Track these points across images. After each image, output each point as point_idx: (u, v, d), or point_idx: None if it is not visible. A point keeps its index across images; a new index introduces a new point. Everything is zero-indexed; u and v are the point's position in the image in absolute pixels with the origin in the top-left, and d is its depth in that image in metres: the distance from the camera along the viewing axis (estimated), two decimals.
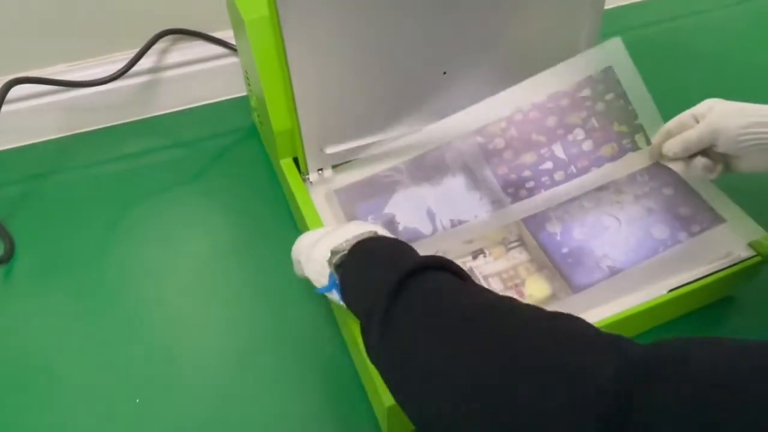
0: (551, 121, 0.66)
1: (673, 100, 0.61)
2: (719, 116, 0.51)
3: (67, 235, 0.71)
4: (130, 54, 0.79)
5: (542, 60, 0.65)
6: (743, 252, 0.56)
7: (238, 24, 0.64)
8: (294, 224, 0.70)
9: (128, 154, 0.82)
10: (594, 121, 0.66)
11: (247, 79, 0.74)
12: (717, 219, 0.58)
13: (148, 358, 0.59)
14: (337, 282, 0.45)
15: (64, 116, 0.82)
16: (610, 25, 0.99)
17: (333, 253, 0.46)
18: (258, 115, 0.76)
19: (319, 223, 0.59)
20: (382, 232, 0.48)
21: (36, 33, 0.75)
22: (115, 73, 0.78)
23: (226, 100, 0.89)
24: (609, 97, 0.66)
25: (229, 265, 0.67)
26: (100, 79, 0.78)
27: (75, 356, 0.59)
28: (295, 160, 0.66)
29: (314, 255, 0.48)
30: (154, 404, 0.55)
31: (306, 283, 0.51)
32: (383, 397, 0.47)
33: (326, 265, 0.46)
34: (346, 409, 0.54)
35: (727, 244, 0.56)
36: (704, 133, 0.51)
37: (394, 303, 0.38)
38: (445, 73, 0.65)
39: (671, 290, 0.54)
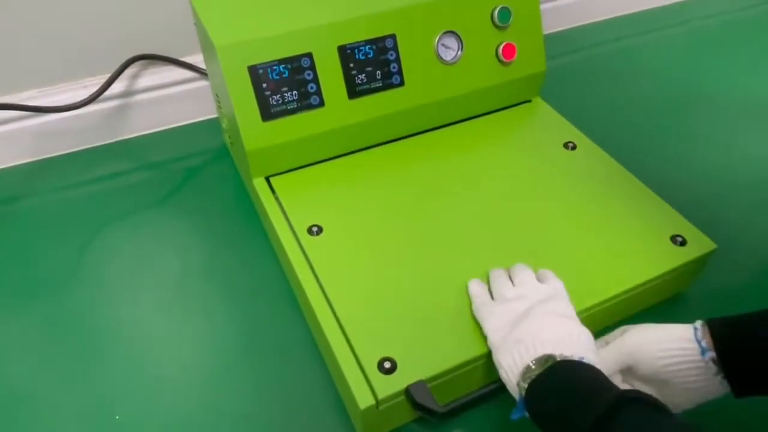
0: None
1: (615, 115, 0.65)
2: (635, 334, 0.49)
3: (39, 258, 0.71)
4: (102, 79, 0.81)
5: None
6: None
7: (208, 48, 0.67)
8: (267, 241, 0.72)
9: (100, 177, 0.83)
10: None
11: (218, 101, 0.77)
12: None
13: (125, 376, 0.60)
14: (524, 399, 0.45)
15: (34, 141, 0.83)
16: (558, 47, 1.06)
17: (523, 373, 0.45)
18: (229, 136, 0.78)
19: (292, 241, 0.62)
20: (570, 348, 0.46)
21: (7, 58, 0.76)
22: (87, 98, 0.80)
23: (197, 122, 0.91)
24: None
25: (201, 283, 0.69)
26: (71, 104, 0.79)
27: (51, 377, 0.60)
28: (267, 180, 0.69)
29: (507, 372, 0.47)
30: (134, 419, 0.56)
31: (278, 295, 0.52)
32: (357, 399, 0.49)
33: (516, 388, 0.46)
34: (322, 411, 0.57)
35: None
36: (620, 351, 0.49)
37: None
38: None
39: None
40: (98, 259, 0.72)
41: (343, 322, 0.54)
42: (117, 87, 0.83)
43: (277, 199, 0.67)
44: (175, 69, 0.86)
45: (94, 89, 0.80)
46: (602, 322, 0.60)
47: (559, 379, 0.44)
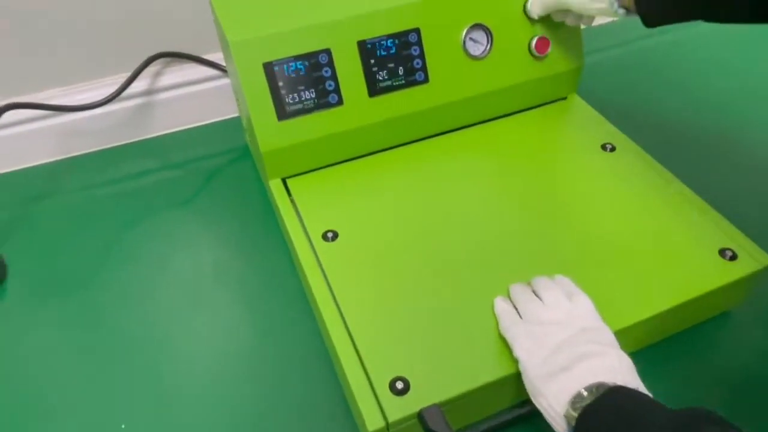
0: None
1: (661, 115, 0.59)
2: None
3: (60, 258, 0.71)
4: (123, 77, 0.80)
5: None
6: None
7: (225, 45, 0.64)
8: (285, 243, 0.69)
9: (121, 177, 0.82)
10: None
11: (237, 99, 0.74)
12: None
13: (136, 382, 0.58)
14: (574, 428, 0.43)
15: (57, 140, 0.82)
16: (600, 40, 1.00)
17: (572, 402, 0.43)
18: (248, 136, 0.76)
19: (306, 246, 0.59)
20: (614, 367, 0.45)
21: (29, 57, 0.76)
22: (107, 96, 0.79)
23: (219, 121, 0.89)
24: None
25: (221, 286, 0.67)
26: (92, 103, 0.78)
27: (64, 379, 0.59)
28: (284, 181, 0.66)
29: (550, 400, 0.44)
30: (142, 424, 0.55)
31: (293, 299, 0.49)
32: (366, 421, 0.46)
33: (563, 421, 0.43)
34: (333, 422, 0.54)
35: None
36: None
37: None
38: None
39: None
40: (118, 259, 0.71)
41: (354, 336, 0.51)
42: (139, 85, 0.82)
43: (292, 201, 0.64)
44: (197, 67, 0.84)
45: (114, 88, 0.79)
46: (641, 342, 0.55)
47: (618, 406, 0.41)
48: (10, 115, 0.75)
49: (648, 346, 0.56)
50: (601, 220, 0.60)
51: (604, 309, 0.49)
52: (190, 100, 0.86)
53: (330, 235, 0.59)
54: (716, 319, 0.59)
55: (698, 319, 0.58)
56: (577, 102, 0.75)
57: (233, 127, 0.87)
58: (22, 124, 0.79)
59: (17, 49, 0.75)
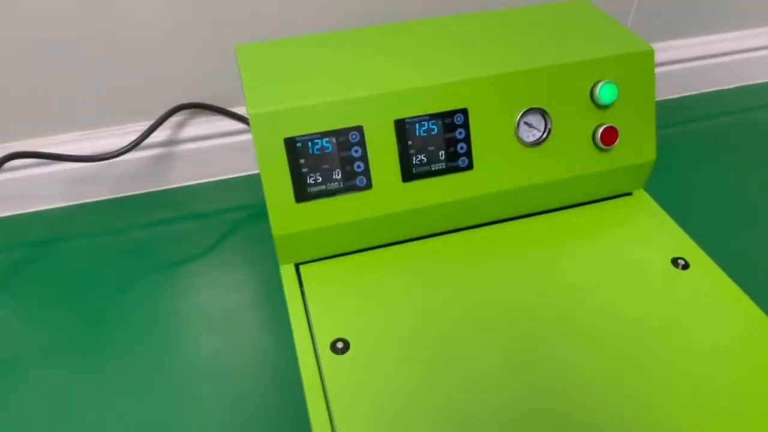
0: None
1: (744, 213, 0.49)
2: None
3: (67, 305, 0.67)
4: (144, 125, 0.75)
5: None
6: None
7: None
8: None
9: (135, 226, 0.77)
10: None
11: None
12: None
13: None
14: None
15: (71, 184, 0.77)
16: (666, 116, 0.89)
17: None
18: None
19: (309, 358, 0.50)
20: None
21: (49, 99, 0.71)
22: (125, 146, 0.73)
23: (242, 176, 0.83)
24: None
25: (230, 344, 0.63)
26: (107, 153, 0.73)
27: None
28: (297, 267, 0.58)
29: None
30: None
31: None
32: None
33: None
34: None
35: None
36: None
37: None
38: None
39: None
40: (128, 311, 0.67)
41: None
42: (161, 135, 0.76)
43: (303, 294, 0.56)
44: (223, 119, 0.78)
45: (135, 136, 0.74)
46: None
47: None
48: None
49: None
50: (669, 355, 0.49)
51: None
52: (213, 152, 0.79)
53: (340, 345, 0.50)
54: None
55: None
56: (644, 200, 0.65)
57: (257, 182, 0.81)
58: (33, 167, 0.74)
59: (39, 91, 0.70)
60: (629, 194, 0.66)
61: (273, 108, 0.52)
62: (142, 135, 0.73)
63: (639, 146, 0.62)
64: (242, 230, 0.77)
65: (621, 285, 0.56)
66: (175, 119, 0.77)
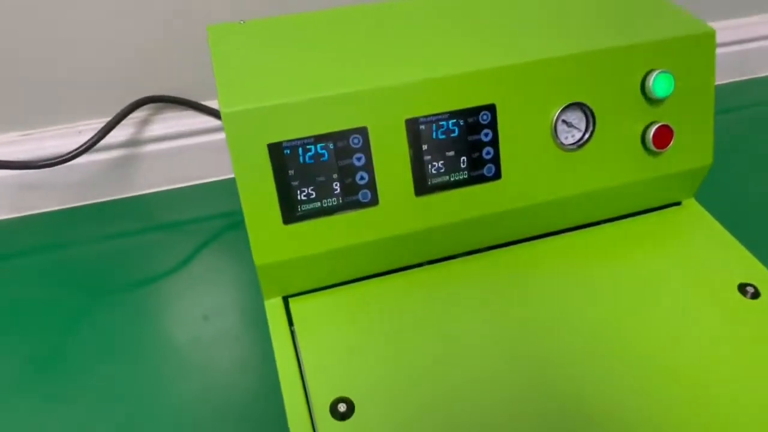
0: None
1: None
2: None
3: (9, 339, 0.56)
4: (100, 123, 0.63)
5: None
6: None
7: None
8: None
9: (92, 240, 0.66)
10: None
11: None
12: None
13: None
14: None
15: (17, 194, 0.65)
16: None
17: None
18: None
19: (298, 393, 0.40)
20: None
21: None
22: (78, 148, 0.61)
23: (219, 180, 0.72)
24: None
25: (207, 391, 0.53)
26: (56, 156, 0.61)
27: None
28: (286, 301, 0.47)
29: None
30: None
31: None
32: None
33: None
34: None
35: None
36: None
37: None
38: None
39: None
40: (89, 332, 0.57)
41: None
42: (121, 134, 0.65)
43: (293, 336, 0.45)
44: (196, 115, 0.66)
45: (90, 135, 0.62)
46: None
47: None
48: None
49: None
50: (747, 408, 0.40)
51: None
52: (184, 153, 0.68)
53: (342, 408, 0.40)
54: None
55: None
56: (696, 211, 0.55)
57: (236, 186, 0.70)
58: None
59: None
60: (678, 204, 0.56)
61: (252, 105, 0.41)
62: (97, 134, 0.62)
63: (694, 148, 0.52)
64: (221, 242, 0.67)
65: (681, 318, 0.46)
66: (137, 115, 0.65)
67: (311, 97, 0.42)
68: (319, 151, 0.43)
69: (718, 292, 0.48)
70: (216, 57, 0.45)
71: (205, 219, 0.69)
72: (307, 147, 0.42)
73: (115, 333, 0.57)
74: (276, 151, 0.42)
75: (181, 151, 0.68)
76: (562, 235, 0.52)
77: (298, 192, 0.43)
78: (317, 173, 0.43)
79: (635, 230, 0.53)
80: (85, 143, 0.61)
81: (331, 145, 0.43)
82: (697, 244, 0.52)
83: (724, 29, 0.83)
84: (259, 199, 0.42)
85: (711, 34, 0.49)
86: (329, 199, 0.44)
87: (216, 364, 0.54)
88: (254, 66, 0.44)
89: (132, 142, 0.66)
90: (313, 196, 0.43)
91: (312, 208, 0.44)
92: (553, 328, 0.45)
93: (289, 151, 0.42)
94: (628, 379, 0.42)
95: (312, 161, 0.43)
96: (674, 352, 0.44)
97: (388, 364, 0.43)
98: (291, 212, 0.43)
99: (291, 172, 0.43)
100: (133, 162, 0.67)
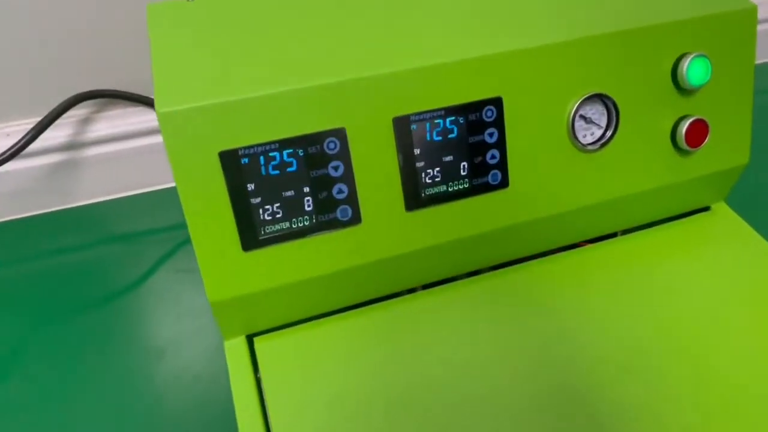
0: None
1: None
2: None
3: None
4: (31, 123, 0.53)
5: None
6: None
7: None
8: None
9: (25, 259, 0.58)
10: None
11: None
12: None
13: None
14: None
15: None
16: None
17: None
18: None
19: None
20: None
21: None
22: (3, 153, 0.52)
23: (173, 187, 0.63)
24: None
25: (165, 405, 0.45)
26: None
27: None
28: (249, 340, 0.39)
29: None
30: None
31: None
32: None
33: None
34: None
35: None
36: None
37: None
38: None
39: None
40: (5, 385, 0.48)
41: None
42: (58, 135, 0.55)
43: (258, 384, 0.37)
44: (146, 111, 0.57)
45: (18, 137, 0.53)
46: None
47: None
48: None
49: None
50: None
51: None
52: (133, 156, 0.59)
53: None
54: None
55: None
56: (729, 218, 0.47)
57: None
58: None
59: None
60: (707, 209, 0.48)
61: (199, 102, 0.32)
62: (27, 136, 0.52)
63: (730, 145, 0.44)
64: (179, 257, 0.58)
65: (717, 332, 0.38)
66: (76, 113, 0.56)
67: (274, 91, 0.33)
68: (286, 160, 0.34)
69: (756, 304, 0.40)
70: (155, 42, 0.36)
71: (162, 230, 0.61)
72: (270, 155, 0.34)
73: (51, 369, 0.48)
74: (230, 160, 0.33)
75: (131, 154, 0.59)
76: (573, 251, 0.45)
77: (261, 211, 0.35)
78: (284, 187, 0.34)
79: (662, 241, 0.45)
80: (12, 146, 0.52)
81: (300, 152, 0.34)
82: (733, 254, 0.45)
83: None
84: (211, 221, 0.34)
85: (752, 10, 0.42)
86: (299, 219, 0.35)
87: (172, 406, 0.46)
88: (202, 53, 0.36)
89: (72, 145, 0.56)
90: (280, 215, 0.35)
91: (278, 230, 0.35)
92: (580, 362, 0.37)
93: (247, 161, 0.34)
94: (671, 401, 0.34)
95: (277, 172, 0.34)
96: (712, 369, 0.36)
97: (376, 418, 0.34)
98: (252, 236, 0.35)
99: (251, 186, 0.34)
100: (75, 167, 0.58)
